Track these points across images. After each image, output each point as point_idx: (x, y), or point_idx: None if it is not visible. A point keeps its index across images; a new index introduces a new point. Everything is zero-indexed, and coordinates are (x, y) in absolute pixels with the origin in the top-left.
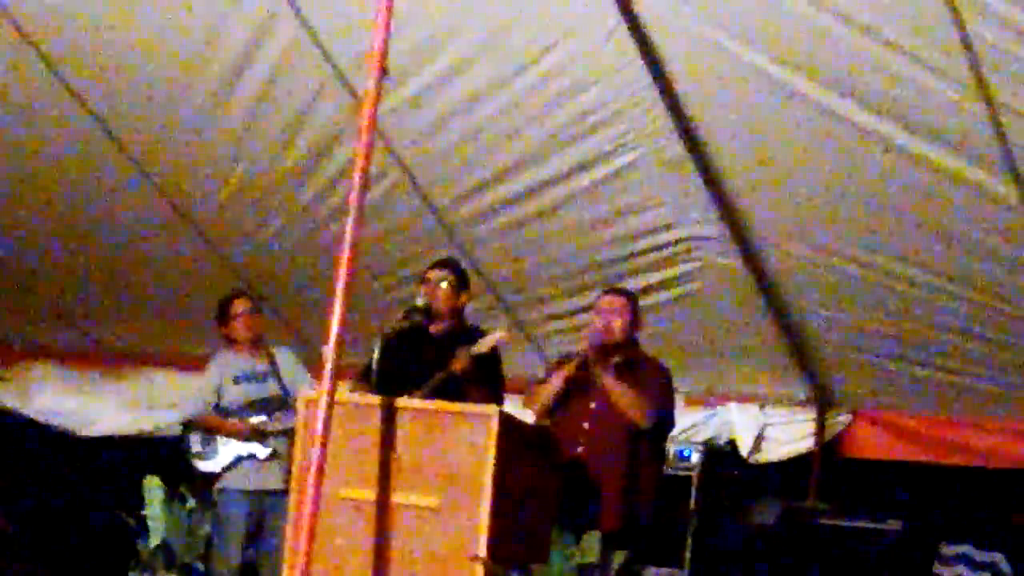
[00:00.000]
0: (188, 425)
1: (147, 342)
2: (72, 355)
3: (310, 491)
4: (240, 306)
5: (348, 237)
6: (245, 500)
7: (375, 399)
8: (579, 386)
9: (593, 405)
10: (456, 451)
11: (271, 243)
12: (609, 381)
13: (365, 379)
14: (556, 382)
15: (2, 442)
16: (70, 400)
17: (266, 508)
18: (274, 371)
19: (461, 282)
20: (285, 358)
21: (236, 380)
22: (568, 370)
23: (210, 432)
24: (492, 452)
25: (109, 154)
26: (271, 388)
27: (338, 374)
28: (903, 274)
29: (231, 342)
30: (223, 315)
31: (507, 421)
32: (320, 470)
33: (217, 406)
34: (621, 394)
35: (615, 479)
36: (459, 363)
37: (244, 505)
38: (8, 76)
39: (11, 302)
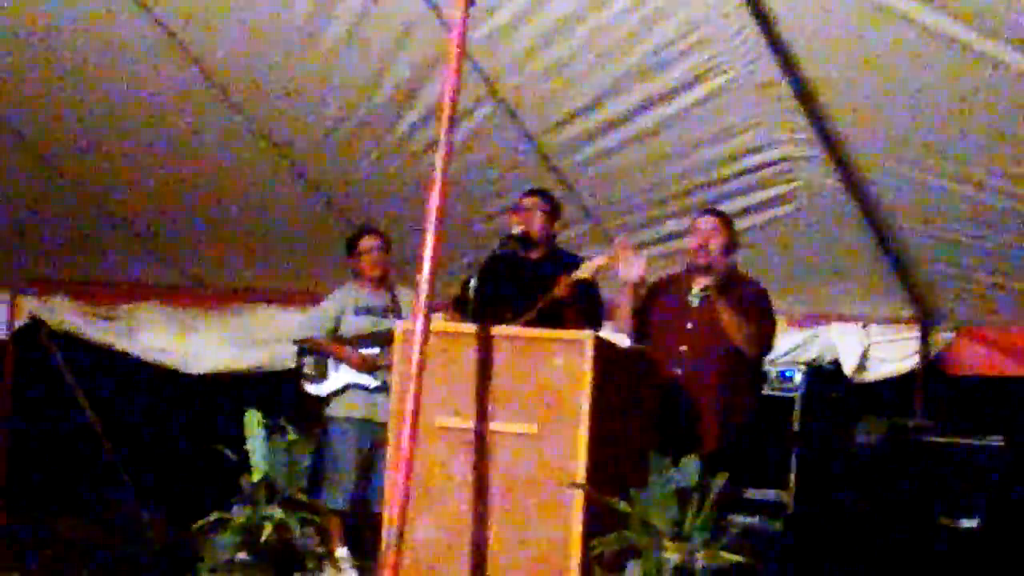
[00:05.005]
0: (303, 349)
1: (248, 280)
2: (176, 294)
3: (407, 421)
4: (368, 242)
5: (439, 166)
6: (355, 428)
7: (470, 327)
8: (675, 308)
9: (689, 326)
10: (552, 377)
11: (368, 177)
12: (727, 311)
13: (459, 308)
14: (624, 299)
15: (108, 380)
16: (174, 339)
17: (376, 441)
18: (395, 308)
19: (554, 209)
20: (407, 297)
21: (357, 312)
22: (632, 286)
23: (323, 356)
24: (588, 377)
25: (207, 96)
26: (389, 324)
27: (433, 305)
28: (1002, 189)
29: (357, 276)
30: (351, 249)
31: (602, 345)
32: (417, 400)
33: (335, 334)
34: (737, 324)
35: (713, 400)
36: (561, 288)
37: (354, 432)
38: (105, 20)
39: (117, 243)
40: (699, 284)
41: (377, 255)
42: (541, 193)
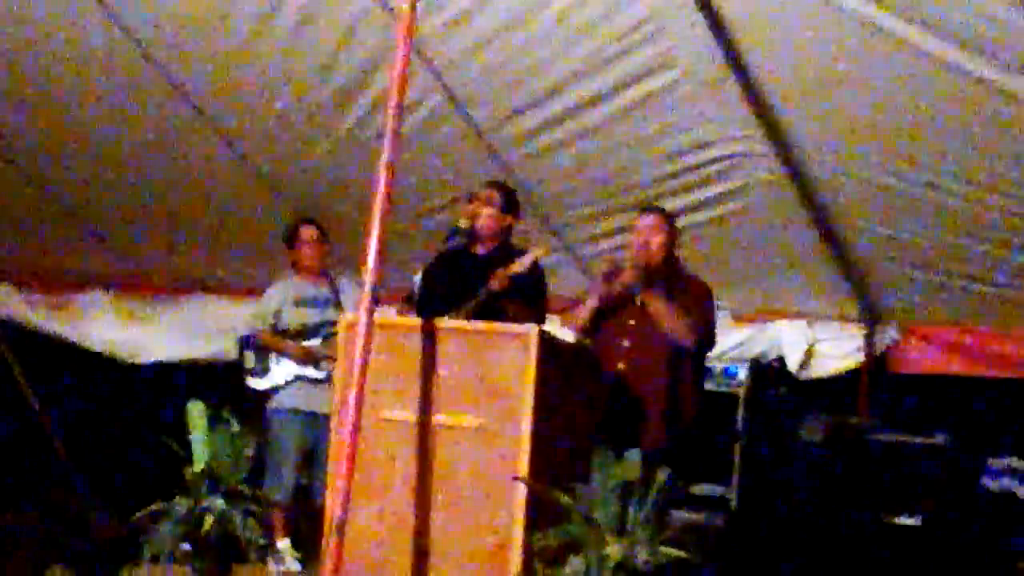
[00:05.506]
0: (245, 343)
1: (198, 270)
2: (124, 284)
3: (351, 413)
4: (306, 233)
5: (385, 158)
6: (297, 420)
7: (415, 321)
8: (618, 303)
9: (632, 322)
10: (497, 371)
11: (318, 169)
12: (656, 303)
13: (410, 303)
14: (591, 303)
15: (54, 370)
16: (123, 329)
17: (319, 432)
18: (335, 299)
19: (507, 203)
20: (348, 288)
21: (297, 304)
22: (602, 291)
23: (264, 351)
24: (532, 371)
25: (155, 86)
26: (330, 315)
27: (377, 297)
28: (950, 188)
29: (296, 267)
30: (289, 240)
31: (547, 340)
32: (361, 392)
33: (275, 327)
34: (667, 315)
35: (656, 396)
36: (497, 282)
37: (296, 425)
38: (53, 10)
39: (64, 233)
40: (652, 282)
41: (315, 246)
42: (495, 186)
